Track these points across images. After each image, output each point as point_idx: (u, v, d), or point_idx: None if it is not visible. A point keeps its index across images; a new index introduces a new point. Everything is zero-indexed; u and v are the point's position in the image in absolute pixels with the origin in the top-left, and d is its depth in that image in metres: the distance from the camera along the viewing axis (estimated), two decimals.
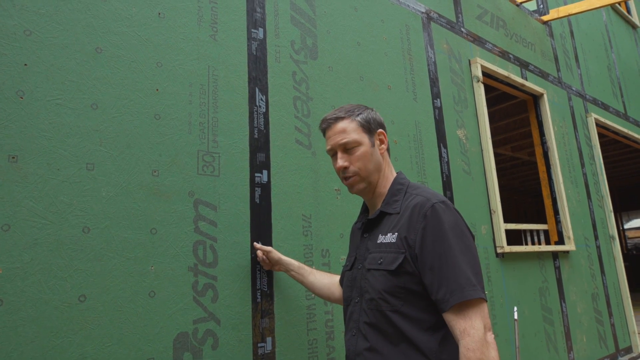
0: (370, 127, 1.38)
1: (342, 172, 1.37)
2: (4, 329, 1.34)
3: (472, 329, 1.10)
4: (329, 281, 1.72)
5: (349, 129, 1.35)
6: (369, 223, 1.38)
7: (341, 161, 1.35)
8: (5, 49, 1.48)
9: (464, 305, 1.13)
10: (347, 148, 1.35)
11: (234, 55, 2.05)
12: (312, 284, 1.74)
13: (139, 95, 1.73)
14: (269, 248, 1.85)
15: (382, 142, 1.40)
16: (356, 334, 1.29)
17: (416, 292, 1.21)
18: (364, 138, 1.35)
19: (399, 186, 1.37)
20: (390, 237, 1.27)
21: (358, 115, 1.37)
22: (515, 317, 2.64)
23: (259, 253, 1.85)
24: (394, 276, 1.21)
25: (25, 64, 1.51)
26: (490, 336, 1.11)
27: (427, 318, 1.20)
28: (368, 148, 1.35)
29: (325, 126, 1.40)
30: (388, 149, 1.45)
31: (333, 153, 1.39)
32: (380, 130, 1.41)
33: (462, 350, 1.09)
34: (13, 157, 1.44)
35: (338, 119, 1.37)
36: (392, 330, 1.21)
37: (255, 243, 1.89)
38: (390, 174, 1.42)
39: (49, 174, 1.49)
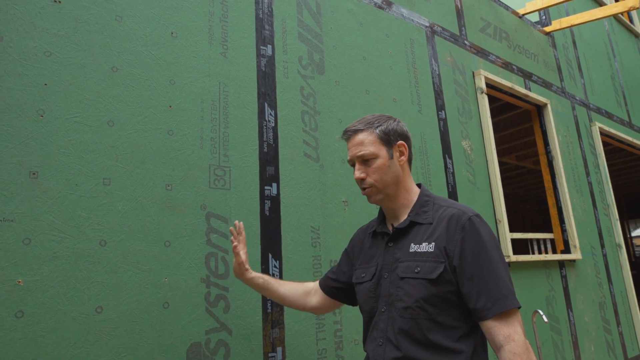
0: (389, 139, 1.39)
1: (360, 183, 1.40)
2: (24, 340, 1.38)
3: (515, 335, 1.17)
4: (302, 291, 1.67)
5: (366, 142, 1.37)
6: (397, 232, 1.38)
7: (358, 172, 1.38)
8: (27, 70, 1.55)
9: (506, 313, 1.20)
10: (365, 160, 1.37)
11: (244, 72, 2.11)
12: (283, 295, 1.66)
13: (153, 112, 1.79)
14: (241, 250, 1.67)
15: (402, 153, 1.41)
16: (383, 344, 1.30)
17: (451, 301, 1.25)
18: (381, 150, 1.37)
19: (426, 198, 1.40)
20: (426, 247, 1.29)
21: (377, 127, 1.39)
22: (545, 320, 2.74)
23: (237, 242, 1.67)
24: (434, 285, 1.24)
25: (46, 84, 1.58)
26: (527, 341, 1.20)
27: (460, 326, 1.25)
28: (385, 160, 1.37)
29: (346, 137, 1.42)
30: (410, 160, 1.45)
31: (352, 164, 1.41)
32: (400, 142, 1.41)
33: (508, 355, 1.16)
34: (34, 173, 1.50)
35: (357, 131, 1.39)
36: (426, 338, 1.23)
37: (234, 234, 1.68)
38: (411, 185, 1.44)
39: (68, 189, 1.55)
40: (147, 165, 1.73)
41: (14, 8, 1.56)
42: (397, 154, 1.40)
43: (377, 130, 1.38)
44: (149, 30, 1.86)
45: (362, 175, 1.38)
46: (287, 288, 1.68)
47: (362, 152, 1.37)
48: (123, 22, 1.79)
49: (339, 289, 1.60)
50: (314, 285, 1.69)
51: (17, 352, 1.36)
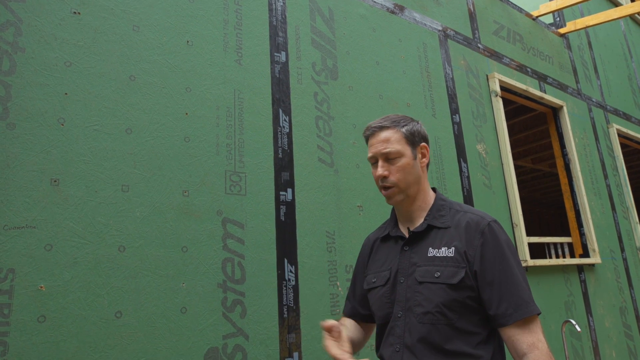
0: (414, 140, 1.37)
1: (381, 181, 1.35)
2: (47, 344, 1.41)
3: (539, 343, 1.16)
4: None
5: (392, 139, 1.34)
6: (413, 236, 1.36)
7: (381, 170, 1.34)
8: (48, 80, 1.59)
9: (528, 320, 1.18)
10: (389, 158, 1.34)
11: (258, 79, 2.14)
12: (355, 340, 1.46)
13: (169, 119, 1.82)
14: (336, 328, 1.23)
15: (423, 155, 1.40)
16: (400, 350, 1.27)
17: (471, 306, 1.23)
18: (406, 150, 1.35)
19: (442, 202, 1.39)
20: (445, 251, 1.28)
21: (403, 126, 1.37)
22: (578, 329, 2.73)
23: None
24: (454, 290, 1.23)
25: (66, 93, 1.61)
26: (550, 349, 1.18)
27: (479, 332, 1.24)
28: (409, 160, 1.35)
29: (369, 133, 1.38)
30: (428, 164, 1.44)
31: (374, 161, 1.37)
32: (423, 144, 1.39)
33: None
34: (55, 181, 1.53)
35: (383, 127, 1.36)
36: (445, 344, 1.22)
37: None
38: (428, 188, 1.42)
39: (88, 196, 1.58)
40: (164, 172, 1.76)
41: (36, 20, 1.60)
42: (420, 155, 1.39)
43: (404, 130, 1.36)
44: (166, 39, 1.89)
45: (385, 172, 1.33)
46: (352, 333, 1.48)
47: (388, 150, 1.33)
48: (140, 31, 1.83)
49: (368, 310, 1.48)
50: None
51: (39, 356, 1.39)
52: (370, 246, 1.52)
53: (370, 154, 1.38)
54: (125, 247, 1.61)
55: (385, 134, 1.35)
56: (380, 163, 1.35)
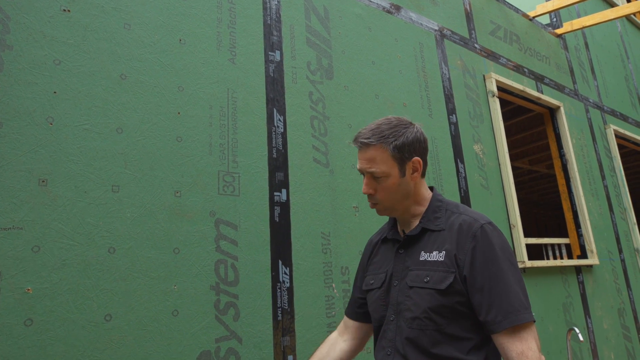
0: (403, 157, 1.29)
1: (368, 197, 1.34)
2: (33, 349, 1.37)
3: (529, 351, 1.11)
4: (327, 350, 1.50)
5: (378, 159, 1.28)
6: (408, 239, 1.33)
7: (366, 188, 1.31)
8: (37, 78, 1.55)
9: (519, 327, 1.14)
10: (375, 177, 1.29)
11: (252, 78, 2.11)
12: None
13: (161, 119, 1.79)
14: None
15: (415, 169, 1.32)
16: (392, 353, 1.26)
17: (461, 311, 1.20)
18: (392, 169, 1.28)
19: (438, 203, 1.35)
20: (436, 255, 1.24)
21: (392, 142, 1.28)
22: (581, 338, 2.62)
23: None
24: (443, 295, 1.19)
25: (55, 92, 1.58)
26: (543, 357, 1.13)
27: (471, 337, 1.20)
28: (396, 179, 1.29)
29: (357, 146, 1.32)
30: (424, 172, 1.36)
31: (362, 172, 1.33)
32: (415, 158, 1.30)
33: None
34: (43, 181, 1.50)
35: (370, 145, 1.28)
36: (435, 350, 1.19)
37: None
38: (423, 194, 1.37)
39: (77, 197, 1.55)
40: (156, 172, 1.73)
41: (24, 17, 1.57)
42: (410, 170, 1.32)
43: (391, 147, 1.28)
44: (157, 38, 1.86)
45: (371, 191, 1.31)
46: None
47: (372, 170, 1.28)
48: (131, 29, 1.80)
49: (364, 309, 1.49)
50: (337, 330, 1.56)
51: None
52: (371, 247, 1.51)
53: (358, 166, 1.34)
54: (116, 248, 1.58)
55: (371, 152, 1.28)
56: (365, 180, 1.32)
